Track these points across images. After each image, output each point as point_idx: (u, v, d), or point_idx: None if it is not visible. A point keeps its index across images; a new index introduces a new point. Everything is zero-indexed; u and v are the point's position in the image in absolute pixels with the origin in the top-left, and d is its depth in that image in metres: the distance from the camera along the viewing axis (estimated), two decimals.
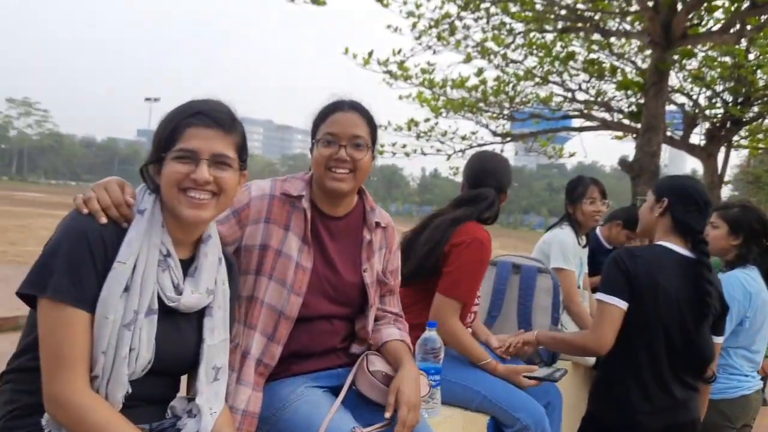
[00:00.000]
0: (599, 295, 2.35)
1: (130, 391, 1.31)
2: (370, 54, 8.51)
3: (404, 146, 10.93)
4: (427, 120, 10.67)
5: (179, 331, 1.42)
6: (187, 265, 1.45)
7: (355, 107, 1.87)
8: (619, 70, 9.29)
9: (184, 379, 1.52)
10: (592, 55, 9.56)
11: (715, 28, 6.84)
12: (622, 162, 6.98)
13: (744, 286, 2.84)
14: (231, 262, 1.59)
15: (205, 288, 1.44)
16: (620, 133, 10.49)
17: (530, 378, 2.33)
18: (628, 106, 9.32)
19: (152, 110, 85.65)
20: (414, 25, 9.14)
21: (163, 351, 1.36)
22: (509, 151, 12.88)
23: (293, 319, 1.78)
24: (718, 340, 2.50)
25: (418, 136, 10.78)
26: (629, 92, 9.11)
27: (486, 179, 2.53)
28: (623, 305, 2.30)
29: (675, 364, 2.34)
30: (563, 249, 3.38)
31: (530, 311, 2.77)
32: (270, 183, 1.87)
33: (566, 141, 16.31)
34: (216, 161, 1.39)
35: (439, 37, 9.23)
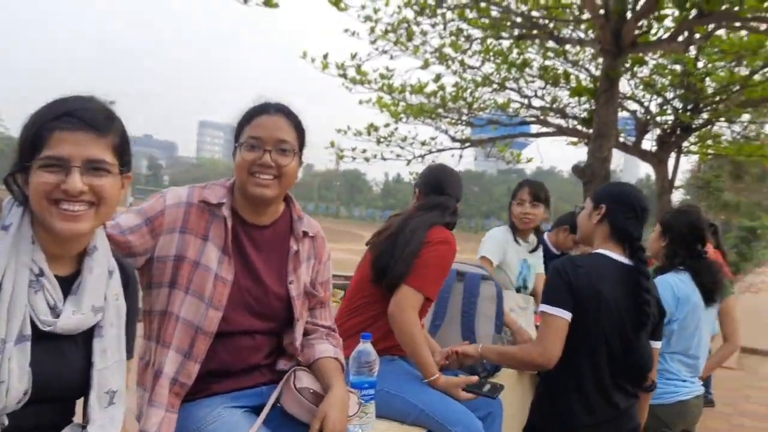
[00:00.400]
0: (543, 307, 2.33)
1: (6, 423, 1.19)
2: (326, 57, 8.42)
3: (364, 151, 10.93)
4: (387, 125, 10.68)
5: (63, 356, 1.28)
6: (70, 283, 1.31)
7: (282, 110, 1.78)
8: (573, 77, 9.41)
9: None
10: (547, 62, 9.68)
11: (664, 37, 6.96)
12: (575, 167, 7.05)
13: (673, 290, 2.87)
14: (128, 274, 1.45)
15: (91, 306, 1.30)
16: (575, 139, 10.65)
17: (469, 391, 2.28)
18: (581, 113, 9.45)
19: None
20: (372, 30, 9.12)
21: (43, 380, 1.22)
22: (468, 156, 13.01)
23: (212, 334, 1.68)
24: (656, 344, 2.51)
25: (378, 141, 10.80)
26: (582, 99, 9.23)
27: (447, 188, 2.57)
28: (567, 316, 2.28)
29: (616, 372, 2.33)
30: (488, 240, 3.51)
31: (474, 319, 2.72)
32: (187, 190, 1.77)
33: (524, 147, 16.50)
34: (90, 167, 1.24)
35: (396, 42, 9.22)
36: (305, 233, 1.88)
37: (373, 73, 9.79)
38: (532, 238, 3.71)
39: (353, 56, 8.86)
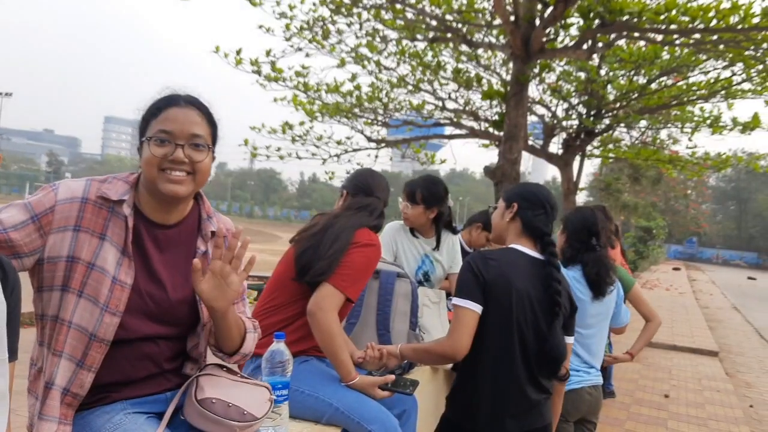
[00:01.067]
0: (454, 300, 2.35)
1: None
2: (239, 52, 8.24)
3: (279, 149, 10.76)
4: (302, 123, 10.58)
5: None
6: None
7: (193, 103, 1.68)
8: (485, 81, 9.67)
9: None
10: (460, 66, 9.90)
11: (570, 44, 7.27)
12: (487, 169, 7.25)
13: None
14: (6, 270, 1.30)
15: None
16: (487, 141, 10.94)
17: (385, 389, 2.28)
18: (493, 116, 9.73)
19: (3, 105, 78.55)
20: (287, 27, 8.99)
21: None
22: (384, 157, 13.08)
23: (108, 342, 1.56)
24: (569, 340, 2.58)
25: (293, 140, 10.68)
26: (494, 102, 9.51)
27: (375, 191, 2.57)
28: (477, 309, 2.31)
29: (530, 365, 2.37)
30: (383, 233, 3.50)
31: (389, 317, 2.72)
32: (84, 184, 1.63)
33: (439, 148, 16.80)
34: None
35: (312, 40, 9.15)
36: (213, 233, 1.79)
37: (289, 71, 9.70)
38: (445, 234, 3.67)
39: (268, 53, 8.71)
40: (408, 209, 3.47)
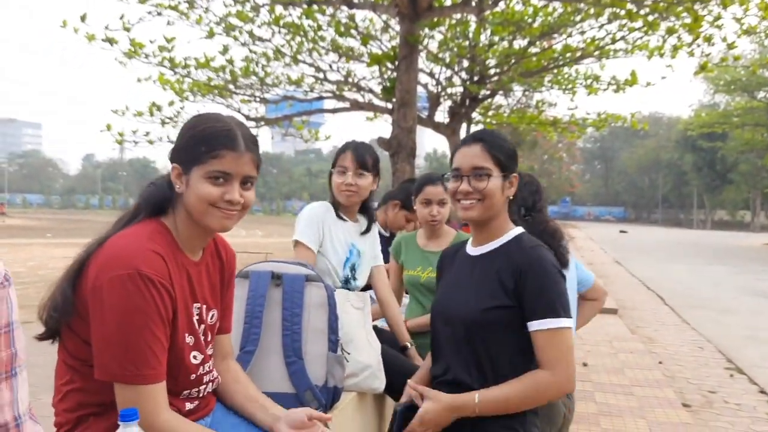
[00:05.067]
0: (559, 322, 1.81)
1: None
2: (83, 19, 7.19)
3: (147, 134, 9.83)
4: (171, 104, 9.69)
5: None
6: None
7: None
8: (366, 50, 9.20)
9: None
10: (339, 39, 9.36)
11: (458, 1, 6.96)
12: (380, 140, 6.83)
13: None
14: None
15: None
16: (371, 114, 10.54)
17: None
18: (380, 83, 9.30)
19: None
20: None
21: None
22: (265, 137, 12.41)
23: None
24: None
25: (162, 123, 9.80)
26: (382, 69, 9.08)
27: None
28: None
29: None
30: (302, 220, 2.69)
31: (300, 337, 2.02)
32: None
33: (322, 125, 16.29)
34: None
35: (175, 8, 8.27)
36: None
37: (151, 45, 8.75)
38: (363, 220, 2.89)
39: (121, 19, 7.71)
40: (358, 178, 2.68)
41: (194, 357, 1.57)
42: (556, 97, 26.04)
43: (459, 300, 1.96)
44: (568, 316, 1.82)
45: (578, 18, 8.69)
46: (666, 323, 8.70)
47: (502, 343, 1.87)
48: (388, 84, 8.43)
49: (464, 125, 11.08)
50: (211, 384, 1.68)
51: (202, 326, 1.62)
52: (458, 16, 8.54)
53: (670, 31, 7.69)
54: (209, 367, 1.65)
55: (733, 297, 11.38)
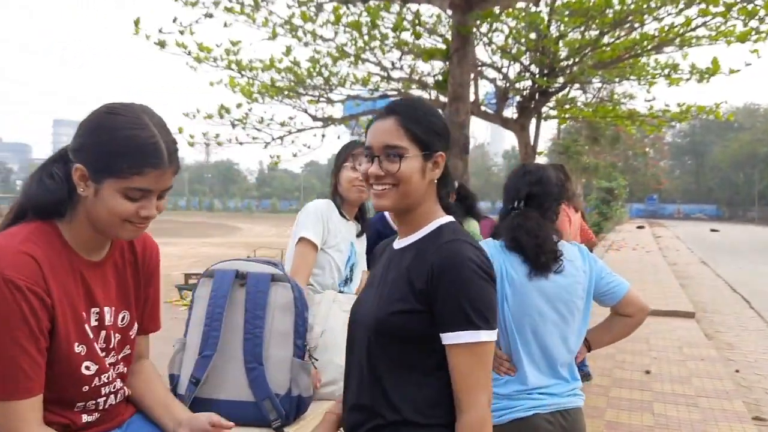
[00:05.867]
0: (477, 335, 1.56)
1: None
2: (137, 23, 7.37)
3: (217, 136, 10.11)
4: (239, 106, 9.91)
5: None
6: None
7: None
8: (423, 42, 9.02)
9: None
10: (397, 34, 9.22)
11: None
12: None
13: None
14: None
15: None
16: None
17: None
18: (434, 77, 9.09)
19: None
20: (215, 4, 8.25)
21: None
22: (332, 135, 12.43)
23: None
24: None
25: (232, 125, 10.03)
26: (438, 64, 8.88)
27: None
28: None
29: None
30: (305, 216, 2.56)
31: (261, 341, 1.83)
32: None
33: None
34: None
35: (241, 12, 8.41)
36: None
37: (218, 49, 8.95)
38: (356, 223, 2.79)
39: (174, 20, 7.93)
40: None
41: (87, 368, 1.45)
42: (636, 89, 24.87)
43: (367, 301, 1.61)
44: (489, 327, 1.44)
45: (653, 4, 8.15)
46: (749, 328, 8.02)
47: (409, 361, 1.50)
48: (441, 78, 8.20)
49: (534, 121, 10.69)
50: (114, 396, 1.55)
51: (103, 332, 1.50)
52: (521, 5, 8.19)
53: (750, 14, 7.02)
54: (109, 377, 1.52)
55: None
